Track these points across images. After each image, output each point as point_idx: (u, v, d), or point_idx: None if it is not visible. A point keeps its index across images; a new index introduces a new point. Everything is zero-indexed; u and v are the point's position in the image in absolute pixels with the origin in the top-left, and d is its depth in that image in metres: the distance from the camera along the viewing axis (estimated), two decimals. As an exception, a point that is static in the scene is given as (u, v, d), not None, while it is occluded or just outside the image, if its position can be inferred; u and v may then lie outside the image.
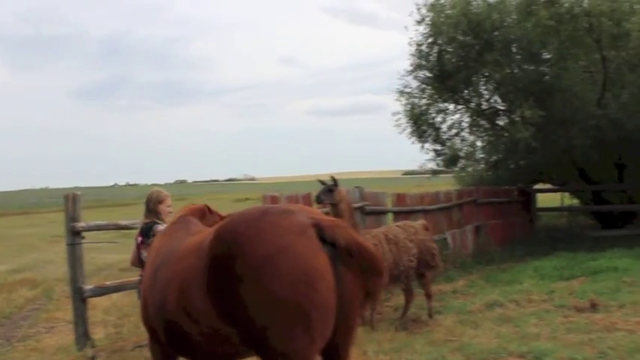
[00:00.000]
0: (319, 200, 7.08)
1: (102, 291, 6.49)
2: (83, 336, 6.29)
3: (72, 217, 6.23)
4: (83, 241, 6.34)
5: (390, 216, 10.14)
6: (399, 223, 8.23)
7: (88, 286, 6.32)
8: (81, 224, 6.23)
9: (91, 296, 6.37)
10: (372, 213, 9.58)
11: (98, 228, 6.55)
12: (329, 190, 7.03)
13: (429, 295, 7.89)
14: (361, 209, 9.17)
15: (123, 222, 6.75)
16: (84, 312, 6.30)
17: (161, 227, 4.79)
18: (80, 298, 6.27)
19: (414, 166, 16.19)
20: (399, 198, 10.77)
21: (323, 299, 2.83)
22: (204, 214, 4.24)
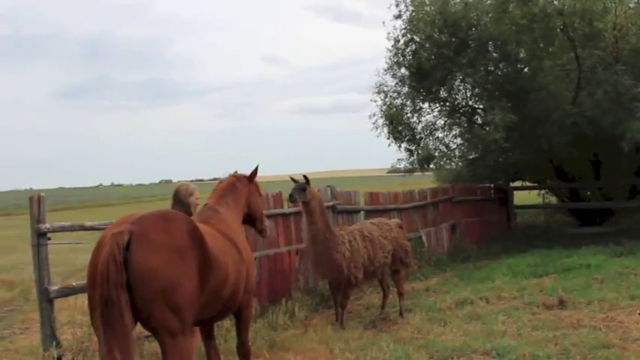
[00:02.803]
0: (292, 199, 7.09)
1: (68, 291, 6.44)
2: (50, 337, 6.25)
3: (37, 219, 6.20)
4: (49, 242, 6.32)
5: (362, 214, 10.16)
6: (373, 220, 8.30)
7: (54, 287, 6.28)
8: (45, 225, 6.20)
9: (57, 297, 6.33)
10: (344, 212, 9.62)
11: (63, 229, 6.50)
12: (301, 188, 7.05)
13: (401, 294, 7.97)
14: (332, 208, 9.21)
15: (88, 223, 6.72)
16: (50, 313, 6.26)
17: None
18: (46, 299, 6.23)
19: (394, 165, 16.24)
20: (372, 197, 10.79)
21: None
22: None
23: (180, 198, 5.66)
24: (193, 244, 3.95)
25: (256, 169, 5.66)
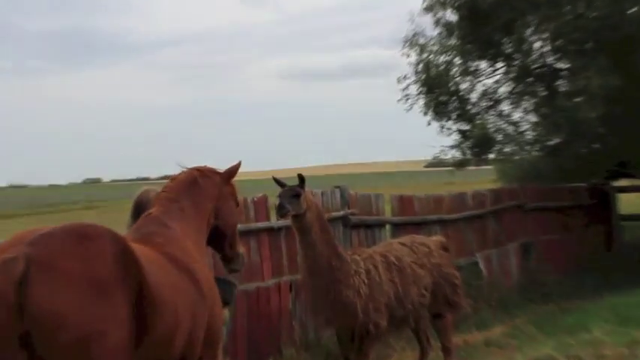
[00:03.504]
0: (283, 210, 6.77)
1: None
2: None
3: None
4: None
5: (388, 229, 10.19)
6: (403, 239, 8.28)
7: None
8: None
9: None
10: (361, 226, 9.66)
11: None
12: (294, 194, 6.86)
13: (447, 350, 8.00)
14: (344, 220, 9.24)
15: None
16: None
17: None
18: None
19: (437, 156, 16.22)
20: (403, 203, 10.80)
21: None
22: None
23: (147, 209, 5.36)
24: (124, 274, 3.85)
25: (237, 165, 5.46)
